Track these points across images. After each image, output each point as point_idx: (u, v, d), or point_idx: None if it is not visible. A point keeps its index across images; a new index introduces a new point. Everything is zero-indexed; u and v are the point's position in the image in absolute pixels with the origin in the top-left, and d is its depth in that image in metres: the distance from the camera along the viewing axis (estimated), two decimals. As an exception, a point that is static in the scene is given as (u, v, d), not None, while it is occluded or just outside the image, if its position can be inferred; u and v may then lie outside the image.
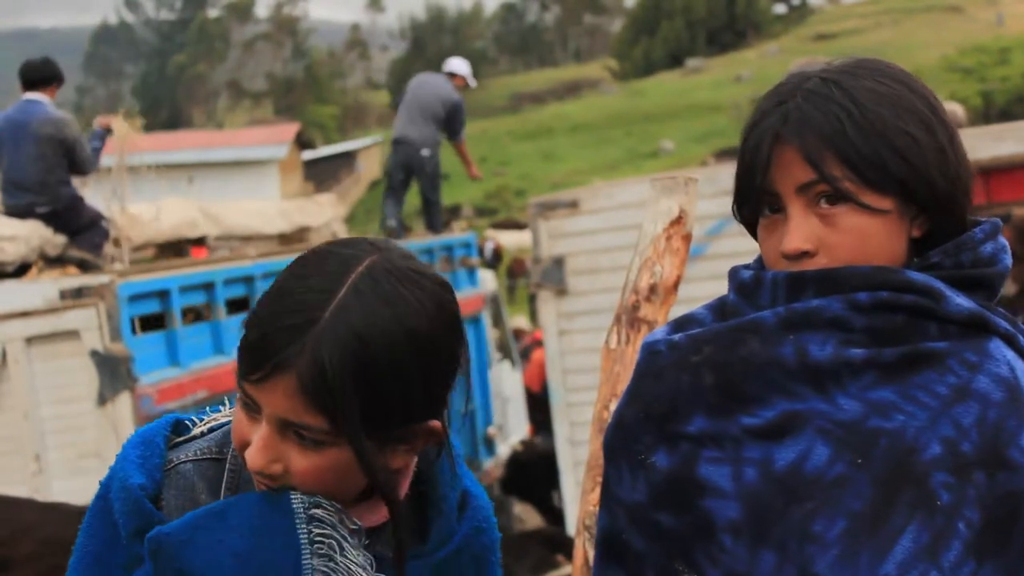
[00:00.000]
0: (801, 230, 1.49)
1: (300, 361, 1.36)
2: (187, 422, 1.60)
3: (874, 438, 1.42)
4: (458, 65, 10.75)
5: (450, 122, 10.31)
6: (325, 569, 1.44)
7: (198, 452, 1.53)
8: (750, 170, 1.51)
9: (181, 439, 1.56)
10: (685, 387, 1.51)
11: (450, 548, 1.55)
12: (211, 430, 1.58)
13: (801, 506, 1.42)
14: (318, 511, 1.44)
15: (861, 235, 1.48)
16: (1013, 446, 1.42)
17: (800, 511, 1.42)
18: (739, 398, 1.48)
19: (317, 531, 1.44)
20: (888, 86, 1.50)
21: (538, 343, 11.94)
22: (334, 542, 1.44)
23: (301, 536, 1.43)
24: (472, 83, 10.90)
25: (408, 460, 1.50)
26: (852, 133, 1.46)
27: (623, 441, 1.56)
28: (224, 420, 1.59)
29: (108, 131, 7.39)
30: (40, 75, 7.28)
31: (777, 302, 1.51)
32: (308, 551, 1.43)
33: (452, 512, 1.56)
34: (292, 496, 1.44)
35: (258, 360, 1.39)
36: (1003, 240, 1.56)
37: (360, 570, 1.46)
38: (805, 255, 1.49)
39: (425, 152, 10.05)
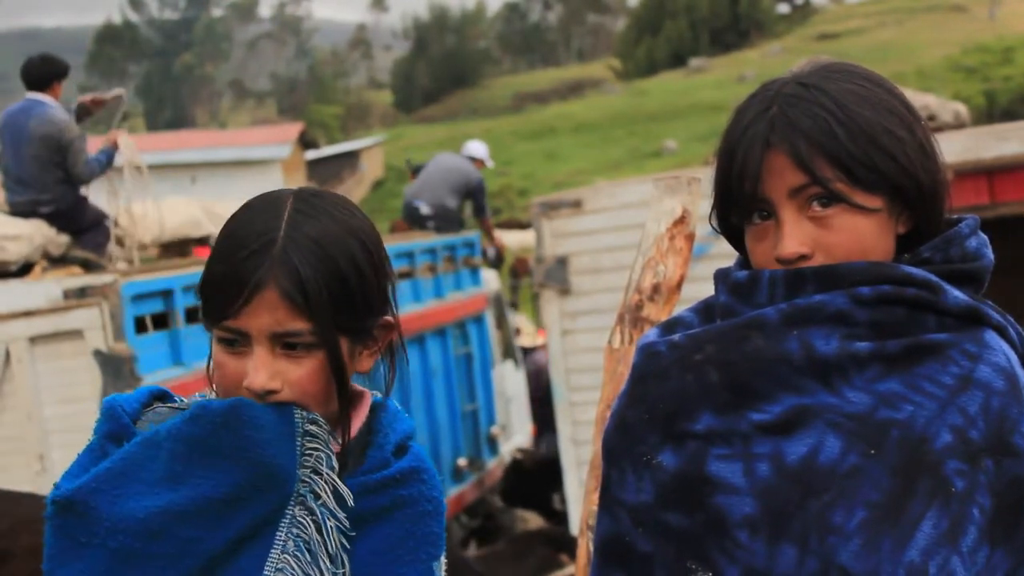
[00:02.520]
0: (796, 234, 1.51)
1: (275, 274, 1.52)
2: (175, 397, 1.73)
3: (885, 429, 1.45)
4: (476, 148, 11.40)
5: (474, 199, 10.93)
6: (309, 480, 1.56)
7: (177, 404, 1.69)
8: (740, 178, 1.53)
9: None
10: (690, 386, 1.52)
11: (381, 475, 1.63)
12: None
13: (818, 498, 1.44)
14: (312, 427, 1.57)
15: (856, 235, 1.51)
16: (1016, 433, 1.45)
17: (817, 503, 1.44)
18: (746, 395, 1.49)
19: (309, 445, 1.57)
20: (865, 87, 1.53)
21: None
22: (322, 455, 1.57)
23: (297, 446, 1.56)
24: (489, 164, 11.68)
25: (371, 363, 1.66)
26: (841, 135, 1.49)
27: (626, 443, 1.57)
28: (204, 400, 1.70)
29: (115, 148, 7.36)
30: (39, 74, 7.29)
31: (775, 300, 1.52)
32: (298, 463, 1.56)
33: (387, 446, 1.66)
34: (294, 410, 1.56)
35: (235, 292, 1.53)
36: (984, 235, 1.60)
37: (340, 484, 1.58)
38: (802, 258, 1.51)
39: (430, 222, 10.36)
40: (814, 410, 1.47)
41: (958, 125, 7.18)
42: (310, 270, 1.53)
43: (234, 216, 1.61)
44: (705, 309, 1.64)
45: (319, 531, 1.55)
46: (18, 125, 7.16)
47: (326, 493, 1.56)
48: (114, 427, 1.61)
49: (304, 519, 1.55)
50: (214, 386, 1.63)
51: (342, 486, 1.57)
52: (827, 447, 1.45)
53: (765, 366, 1.49)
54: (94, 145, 7.42)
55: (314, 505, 1.55)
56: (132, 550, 1.50)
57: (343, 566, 1.57)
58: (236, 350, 1.56)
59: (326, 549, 1.56)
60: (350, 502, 1.57)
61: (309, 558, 1.54)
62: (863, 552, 1.41)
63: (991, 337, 1.50)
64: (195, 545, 1.51)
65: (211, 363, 1.65)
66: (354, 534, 1.58)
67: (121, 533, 1.51)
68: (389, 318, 1.66)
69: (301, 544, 1.55)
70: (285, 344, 1.54)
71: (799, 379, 1.48)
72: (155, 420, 1.62)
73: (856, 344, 1.48)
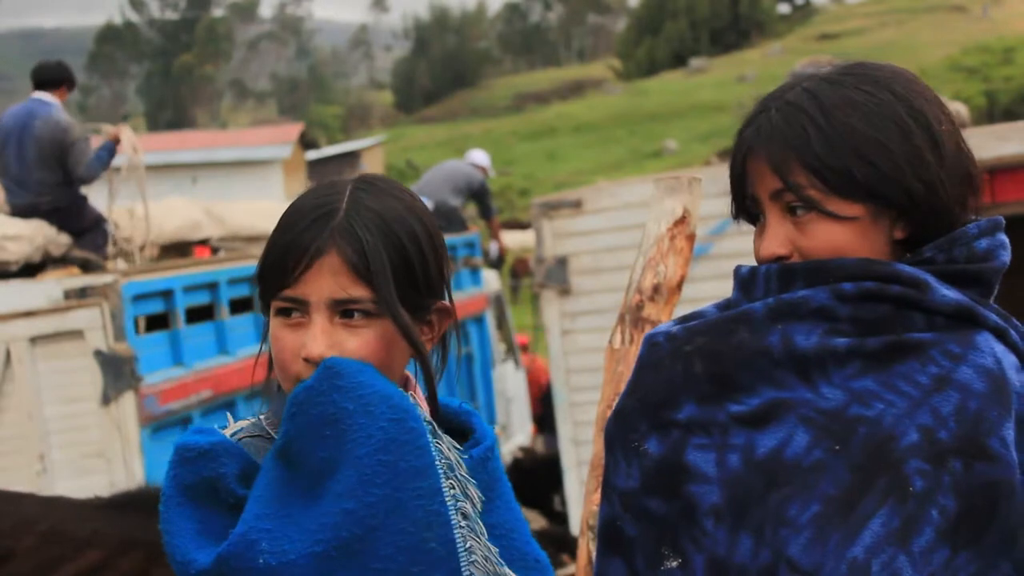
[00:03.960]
0: (775, 236, 1.55)
1: (337, 240, 1.52)
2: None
3: (853, 426, 1.46)
4: (480, 157, 11.65)
5: (479, 200, 11.24)
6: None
7: (248, 433, 1.62)
8: (734, 179, 1.60)
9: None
10: (678, 376, 1.55)
11: (487, 444, 1.64)
12: (233, 433, 1.64)
13: (779, 491, 1.46)
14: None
15: (829, 241, 1.52)
16: (994, 436, 1.44)
17: (778, 496, 1.46)
18: (728, 386, 1.52)
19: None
20: (866, 93, 1.53)
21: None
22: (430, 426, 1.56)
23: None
24: (491, 173, 11.95)
25: (429, 345, 1.64)
26: (816, 143, 1.50)
27: (620, 430, 1.60)
28: (238, 427, 1.65)
29: (116, 142, 7.35)
30: (49, 76, 7.28)
31: (769, 294, 1.55)
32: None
33: (479, 416, 1.69)
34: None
35: (295, 258, 1.52)
36: (1002, 237, 1.58)
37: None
38: (780, 259, 1.55)
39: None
40: (789, 404, 1.49)
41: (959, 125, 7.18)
42: (372, 238, 1.53)
43: (296, 199, 1.61)
44: (725, 305, 1.66)
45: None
46: (22, 125, 7.13)
47: (455, 460, 1.56)
48: (246, 466, 1.54)
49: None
50: (273, 362, 1.59)
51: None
52: (795, 441, 1.47)
53: (747, 359, 1.51)
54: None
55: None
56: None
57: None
58: (293, 321, 1.54)
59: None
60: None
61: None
62: (811, 546, 1.42)
63: (983, 339, 1.49)
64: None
65: (262, 350, 1.64)
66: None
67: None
68: (446, 303, 1.65)
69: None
70: (343, 313, 1.53)
71: (778, 373, 1.50)
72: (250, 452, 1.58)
73: (835, 340, 1.49)
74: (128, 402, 5.76)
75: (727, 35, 69.86)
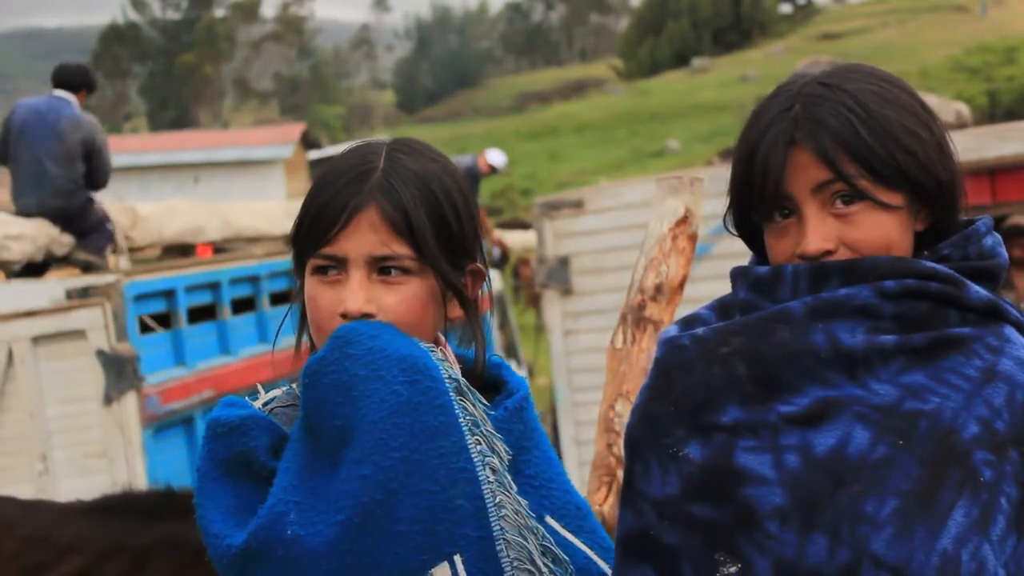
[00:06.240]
0: (821, 230, 1.54)
1: (376, 196, 1.54)
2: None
3: (913, 420, 1.47)
4: (493, 156, 11.64)
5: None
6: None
7: (281, 403, 1.63)
8: (763, 175, 1.55)
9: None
10: (717, 378, 1.53)
11: (521, 394, 1.65)
12: (265, 403, 1.65)
13: (848, 489, 1.45)
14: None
15: (880, 231, 1.53)
16: None
17: (848, 494, 1.45)
18: (773, 387, 1.51)
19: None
20: (884, 87, 1.56)
21: None
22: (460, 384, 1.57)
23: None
24: (500, 168, 11.81)
25: (460, 312, 1.66)
26: (864, 133, 1.51)
27: (651, 436, 1.57)
28: (270, 396, 1.66)
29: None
30: (70, 77, 7.25)
31: (798, 294, 1.54)
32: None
33: (510, 367, 1.70)
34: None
35: (333, 216, 1.54)
36: (998, 235, 1.63)
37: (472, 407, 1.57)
38: (827, 254, 1.54)
39: None
40: (841, 402, 1.48)
41: (960, 125, 7.18)
42: (410, 195, 1.54)
43: (326, 163, 1.62)
44: (722, 307, 1.64)
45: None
46: (44, 122, 7.06)
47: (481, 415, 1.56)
48: (275, 440, 1.55)
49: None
50: (308, 323, 1.60)
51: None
52: (856, 438, 1.47)
53: (791, 358, 1.50)
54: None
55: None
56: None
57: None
58: (330, 278, 1.56)
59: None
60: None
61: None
62: (896, 540, 1.42)
63: (1011, 332, 1.53)
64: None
65: (300, 338, 1.65)
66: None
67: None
68: (479, 265, 1.67)
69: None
70: (381, 269, 1.55)
71: (825, 371, 1.50)
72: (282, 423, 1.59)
73: (881, 337, 1.50)
74: (130, 402, 5.76)
75: (729, 35, 69.85)
